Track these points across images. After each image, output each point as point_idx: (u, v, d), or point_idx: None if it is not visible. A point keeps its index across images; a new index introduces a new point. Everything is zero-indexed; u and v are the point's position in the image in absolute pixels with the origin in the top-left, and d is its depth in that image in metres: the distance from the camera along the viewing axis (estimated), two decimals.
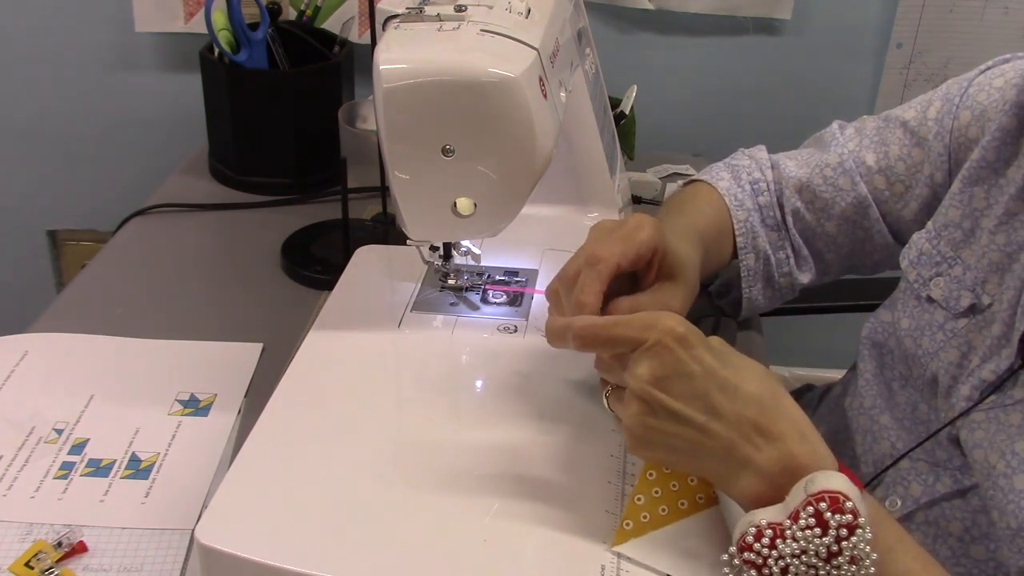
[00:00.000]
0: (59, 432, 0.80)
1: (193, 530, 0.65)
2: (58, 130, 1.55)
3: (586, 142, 0.92)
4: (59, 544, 0.68)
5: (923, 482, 0.74)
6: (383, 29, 0.70)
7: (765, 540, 0.52)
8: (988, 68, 0.81)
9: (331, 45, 1.30)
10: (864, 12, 1.43)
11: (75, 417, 0.82)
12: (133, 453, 0.79)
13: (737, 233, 0.89)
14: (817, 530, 0.51)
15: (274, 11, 1.30)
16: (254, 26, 1.22)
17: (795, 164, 0.91)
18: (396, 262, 0.86)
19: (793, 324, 1.34)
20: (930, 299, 0.76)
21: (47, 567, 0.67)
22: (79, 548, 0.69)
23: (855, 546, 0.51)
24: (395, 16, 0.70)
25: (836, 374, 1.04)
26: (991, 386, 0.69)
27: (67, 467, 0.77)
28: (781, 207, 0.90)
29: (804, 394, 1.05)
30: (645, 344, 0.56)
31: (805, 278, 0.92)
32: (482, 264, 0.82)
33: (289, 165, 1.24)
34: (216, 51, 1.20)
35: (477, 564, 0.55)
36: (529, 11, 0.72)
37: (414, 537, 0.57)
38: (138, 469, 0.77)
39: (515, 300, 0.81)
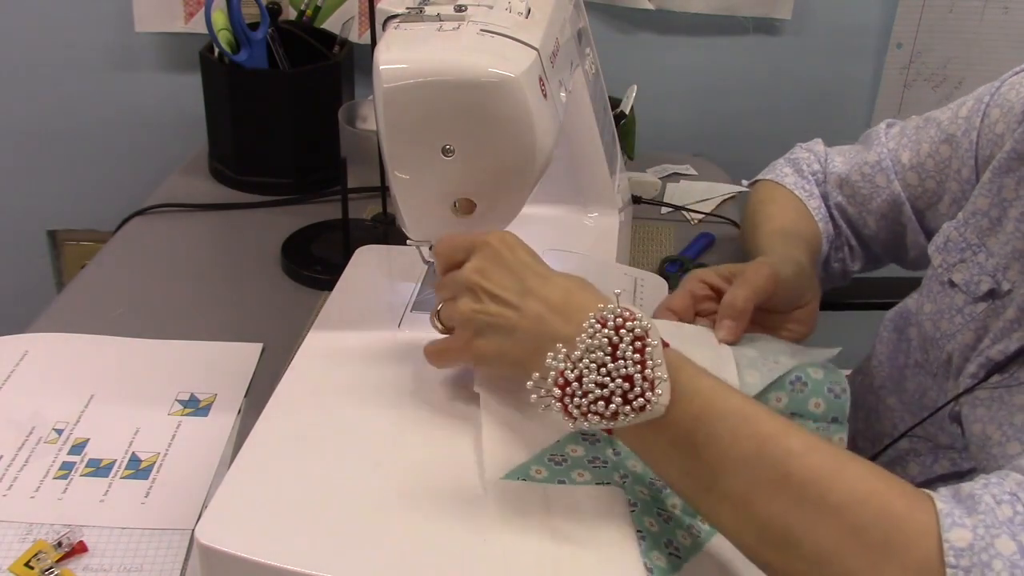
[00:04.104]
0: (59, 432, 0.80)
1: (193, 530, 0.65)
2: (58, 130, 1.55)
3: (586, 142, 0.92)
4: (59, 544, 0.69)
5: (921, 463, 0.75)
6: (383, 29, 0.70)
7: (560, 356, 0.55)
8: None
9: (331, 45, 1.30)
10: (864, 12, 1.43)
11: (75, 417, 0.82)
12: (133, 453, 0.79)
13: (817, 220, 0.94)
14: (597, 325, 0.55)
15: (274, 11, 1.30)
16: (254, 26, 1.22)
17: (841, 160, 0.96)
18: (396, 262, 0.86)
19: None
20: (952, 283, 0.78)
21: (47, 567, 0.67)
22: (79, 548, 0.69)
23: (633, 329, 0.54)
24: (395, 16, 0.70)
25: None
26: (997, 366, 0.70)
27: (67, 467, 0.77)
28: (826, 199, 0.95)
29: None
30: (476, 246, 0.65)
31: (856, 266, 0.97)
32: None
33: (289, 165, 1.24)
34: (216, 51, 1.20)
35: (477, 564, 0.55)
36: (529, 11, 0.72)
37: (414, 537, 0.57)
38: (138, 469, 0.77)
39: None
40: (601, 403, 0.54)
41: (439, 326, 0.68)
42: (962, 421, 0.72)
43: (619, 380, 0.54)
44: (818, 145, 0.99)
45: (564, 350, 0.55)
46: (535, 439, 0.64)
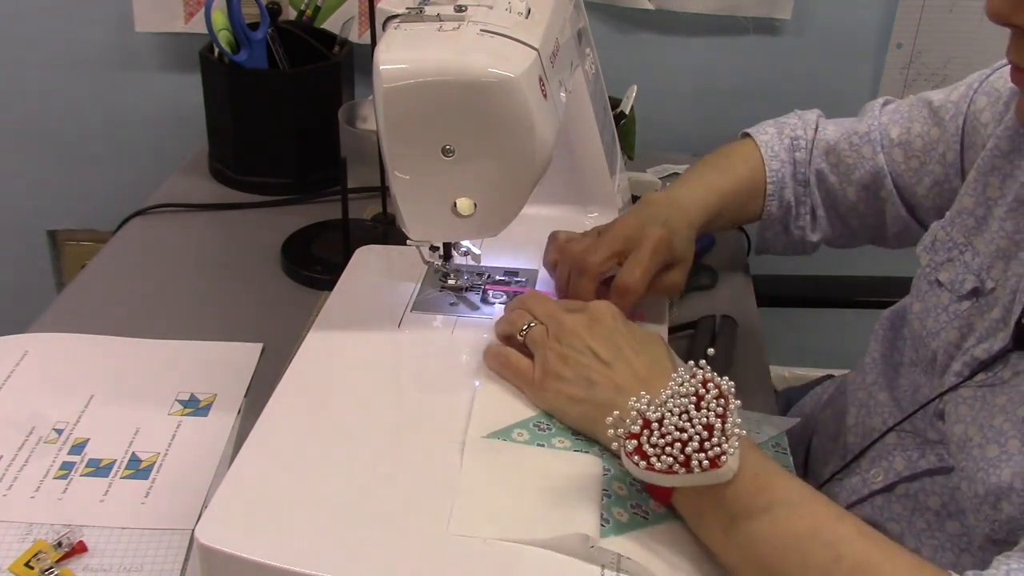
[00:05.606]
0: (59, 432, 0.80)
1: (193, 530, 0.65)
2: (58, 130, 1.55)
3: (586, 142, 0.92)
4: (59, 544, 0.69)
5: (907, 458, 0.76)
6: (383, 29, 0.70)
7: (644, 400, 0.58)
8: None
9: (331, 45, 1.30)
10: (864, 12, 1.43)
11: (75, 417, 0.82)
12: (133, 453, 0.79)
13: (768, 182, 0.95)
14: (686, 376, 0.58)
15: (274, 11, 1.30)
16: (254, 26, 1.22)
17: (833, 129, 0.96)
18: (396, 262, 0.87)
19: (799, 324, 1.34)
20: (938, 283, 0.78)
21: (47, 567, 0.67)
22: (79, 548, 0.69)
23: (719, 385, 0.57)
24: (395, 16, 0.70)
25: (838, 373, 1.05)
26: (982, 364, 0.71)
27: (67, 467, 0.77)
28: (805, 165, 0.96)
29: (823, 381, 1.07)
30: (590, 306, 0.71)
31: (815, 237, 0.98)
32: (482, 264, 0.82)
33: (289, 165, 1.24)
34: (216, 51, 1.20)
35: (477, 564, 0.55)
36: (529, 11, 0.72)
37: (414, 537, 0.57)
38: (138, 469, 0.77)
39: None
40: (678, 445, 0.55)
41: (520, 339, 0.71)
42: (945, 417, 0.73)
43: (699, 427, 0.55)
44: (811, 113, 1.00)
45: (647, 396, 0.58)
46: (525, 411, 0.67)
